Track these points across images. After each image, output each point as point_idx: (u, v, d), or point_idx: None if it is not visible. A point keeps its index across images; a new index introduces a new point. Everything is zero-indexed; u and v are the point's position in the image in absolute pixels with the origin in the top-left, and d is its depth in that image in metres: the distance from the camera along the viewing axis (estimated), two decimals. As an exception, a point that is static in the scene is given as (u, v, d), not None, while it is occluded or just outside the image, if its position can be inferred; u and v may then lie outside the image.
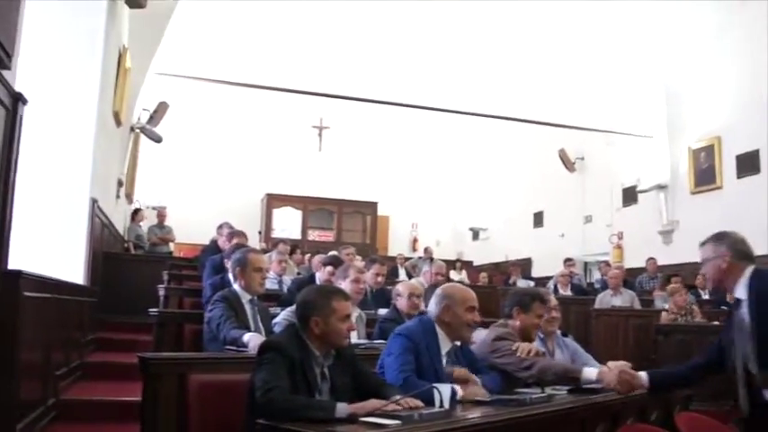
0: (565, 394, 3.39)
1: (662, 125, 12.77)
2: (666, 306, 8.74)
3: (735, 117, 11.41)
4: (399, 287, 5.45)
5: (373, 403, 2.63)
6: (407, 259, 14.67)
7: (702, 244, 3.34)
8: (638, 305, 9.40)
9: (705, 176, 12.00)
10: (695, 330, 7.67)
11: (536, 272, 15.73)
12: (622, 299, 9.42)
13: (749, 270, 3.15)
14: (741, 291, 3.14)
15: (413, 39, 15.37)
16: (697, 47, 12.07)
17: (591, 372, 3.52)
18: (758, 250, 10.28)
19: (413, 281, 6.95)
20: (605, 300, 9.48)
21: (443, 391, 2.83)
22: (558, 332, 4.40)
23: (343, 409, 2.54)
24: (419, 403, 2.73)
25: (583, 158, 15.24)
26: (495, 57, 15.55)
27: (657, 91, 12.85)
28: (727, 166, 11.61)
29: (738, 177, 11.35)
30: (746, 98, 11.15)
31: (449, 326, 3.46)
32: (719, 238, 3.27)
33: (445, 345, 3.47)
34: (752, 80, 11.00)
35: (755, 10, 10.86)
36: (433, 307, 3.55)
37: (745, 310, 3.10)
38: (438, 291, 3.62)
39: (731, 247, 3.20)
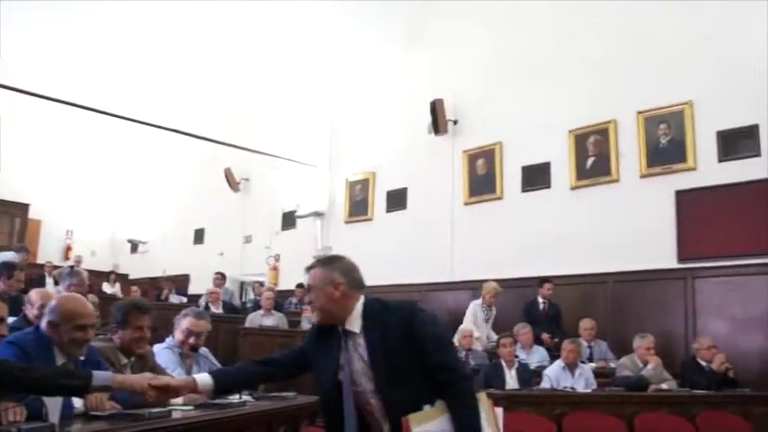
0: (190, 408, 3.32)
1: (324, 156, 13.45)
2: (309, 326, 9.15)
3: (389, 157, 12.36)
4: (32, 294, 5.11)
5: None
6: (57, 268, 13.53)
7: (310, 268, 2.89)
8: (285, 326, 9.74)
9: (359, 208, 12.80)
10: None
11: (193, 289, 15.41)
12: (273, 319, 9.71)
13: (362, 301, 2.81)
14: (355, 324, 2.76)
15: (74, 34, 14.26)
16: (363, 91, 13.02)
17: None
18: (402, 279, 11.13)
19: (50, 289, 6.55)
20: (256, 320, 9.69)
21: (50, 404, 2.61)
22: None
23: None
24: (20, 417, 2.51)
25: (248, 179, 15.42)
26: (161, 66, 15.19)
27: (323, 125, 13.56)
28: (378, 200, 12.52)
29: (387, 211, 12.29)
30: (400, 140, 12.19)
31: (58, 342, 3.04)
32: (330, 262, 2.88)
33: (61, 359, 3.05)
34: (405, 125, 12.08)
35: (418, 58, 12.08)
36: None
37: (361, 344, 2.74)
38: (51, 302, 3.21)
39: (345, 273, 2.81)
